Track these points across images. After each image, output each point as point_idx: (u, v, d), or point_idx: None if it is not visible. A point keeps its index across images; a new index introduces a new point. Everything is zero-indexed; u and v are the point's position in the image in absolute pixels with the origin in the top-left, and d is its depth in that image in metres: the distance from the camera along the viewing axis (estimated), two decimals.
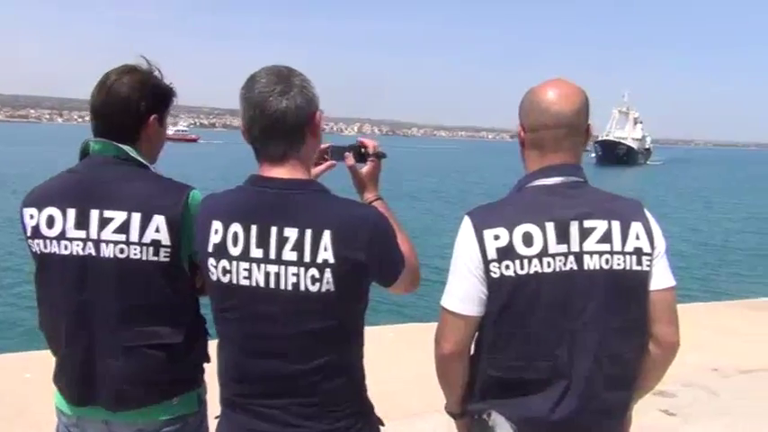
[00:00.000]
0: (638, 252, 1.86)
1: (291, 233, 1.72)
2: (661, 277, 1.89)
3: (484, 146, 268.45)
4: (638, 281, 1.87)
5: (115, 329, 1.97)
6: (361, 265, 1.73)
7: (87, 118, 2.07)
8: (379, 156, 2.13)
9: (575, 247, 1.83)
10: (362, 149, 2.12)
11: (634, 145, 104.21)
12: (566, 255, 1.82)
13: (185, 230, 1.95)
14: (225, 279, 1.78)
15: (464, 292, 1.86)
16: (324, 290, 1.71)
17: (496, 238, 1.82)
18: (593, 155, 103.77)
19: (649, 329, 1.91)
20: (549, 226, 1.82)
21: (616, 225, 1.86)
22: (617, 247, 1.85)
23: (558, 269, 1.81)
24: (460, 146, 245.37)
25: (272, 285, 1.73)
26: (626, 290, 1.86)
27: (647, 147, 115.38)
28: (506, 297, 1.82)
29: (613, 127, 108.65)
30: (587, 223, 1.84)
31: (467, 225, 1.88)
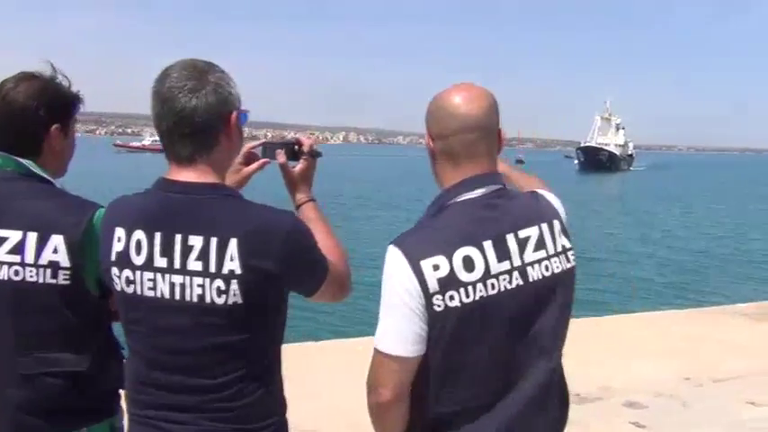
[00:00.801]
0: (564, 249, 1.80)
1: (196, 241, 1.61)
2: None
3: None
4: (571, 278, 1.81)
5: (12, 357, 1.84)
6: (272, 275, 1.62)
7: None
8: (314, 154, 2.02)
9: (516, 262, 1.72)
10: (296, 147, 2.01)
11: (616, 151, 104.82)
12: (509, 272, 1.70)
13: (89, 251, 1.81)
14: (129, 290, 1.68)
15: (403, 332, 1.68)
16: (230, 302, 1.61)
17: (436, 267, 1.65)
18: (576, 161, 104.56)
19: None
20: (488, 245, 1.69)
21: (545, 228, 1.78)
22: (551, 250, 1.77)
23: (503, 288, 1.69)
24: None
25: (177, 297, 1.63)
26: (564, 291, 1.78)
27: (629, 153, 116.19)
28: (453, 329, 1.67)
29: (596, 133, 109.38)
30: (522, 233, 1.74)
31: (398, 257, 1.68)
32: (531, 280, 1.72)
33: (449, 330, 1.66)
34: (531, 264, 1.73)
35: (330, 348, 6.63)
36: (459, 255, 1.66)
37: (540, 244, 1.75)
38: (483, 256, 1.68)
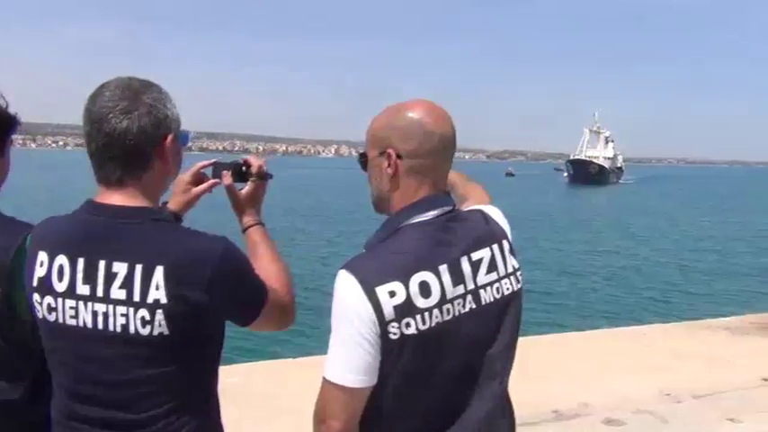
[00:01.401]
0: (514, 270, 1.77)
1: (120, 268, 1.54)
2: None
3: (465, 166, 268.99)
4: (520, 299, 1.78)
5: None
6: (202, 305, 1.55)
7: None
8: (263, 176, 1.94)
9: (470, 285, 1.67)
10: (244, 168, 1.94)
11: (606, 164, 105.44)
12: (463, 296, 1.66)
13: (20, 277, 1.71)
14: (51, 317, 1.61)
15: (355, 362, 1.60)
16: (156, 333, 1.53)
17: (392, 294, 1.57)
18: (566, 174, 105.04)
19: None
20: (443, 269, 1.63)
21: (496, 249, 1.73)
22: (501, 272, 1.73)
23: (458, 313, 1.64)
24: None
25: (99, 326, 1.56)
26: (515, 313, 1.76)
27: (618, 165, 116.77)
28: (408, 357, 1.60)
29: (585, 146, 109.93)
30: (475, 255, 1.69)
31: (351, 283, 1.59)
32: (483, 303, 1.68)
33: (404, 359, 1.60)
34: (484, 286, 1.69)
35: (307, 364, 6.55)
36: (415, 280, 1.60)
37: (492, 266, 1.71)
38: (439, 281, 1.62)
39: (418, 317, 1.59)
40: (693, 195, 77.45)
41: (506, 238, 1.78)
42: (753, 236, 35.01)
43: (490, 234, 1.74)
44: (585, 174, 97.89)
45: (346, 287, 1.59)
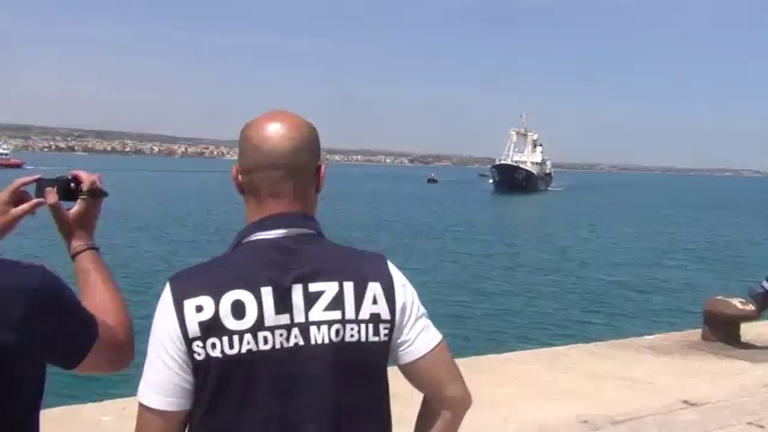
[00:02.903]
0: (376, 319, 1.68)
1: None
2: (422, 342, 1.75)
3: (384, 171, 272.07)
4: (376, 354, 1.69)
5: None
6: (10, 347, 1.46)
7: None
8: (96, 194, 1.86)
9: (299, 317, 1.63)
10: (73, 185, 1.85)
11: (533, 170, 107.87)
12: (288, 327, 1.62)
13: None
14: None
15: (163, 383, 1.60)
16: None
17: (199, 309, 1.58)
18: (491, 180, 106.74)
19: (436, 395, 1.78)
20: (266, 291, 1.61)
21: (349, 287, 1.67)
22: (350, 314, 1.66)
23: (278, 345, 1.61)
24: (360, 171, 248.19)
25: None
26: (360, 365, 1.68)
27: (547, 171, 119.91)
28: (215, 384, 1.59)
29: (511, 150, 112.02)
30: (314, 286, 1.65)
31: (166, 294, 1.63)
32: (313, 342, 1.63)
33: (210, 384, 1.60)
34: (318, 324, 1.64)
35: None
36: (228, 297, 1.59)
37: (336, 304, 1.65)
38: (258, 303, 1.60)
39: (225, 339, 1.58)
40: (624, 205, 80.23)
41: (382, 282, 1.71)
42: (682, 248, 36.70)
43: (350, 268, 1.69)
44: (512, 180, 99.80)
45: (162, 299, 1.63)
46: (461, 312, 18.56)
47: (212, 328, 1.57)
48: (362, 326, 1.66)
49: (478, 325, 17.52)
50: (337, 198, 62.99)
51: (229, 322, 1.58)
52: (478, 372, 7.13)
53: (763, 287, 8.21)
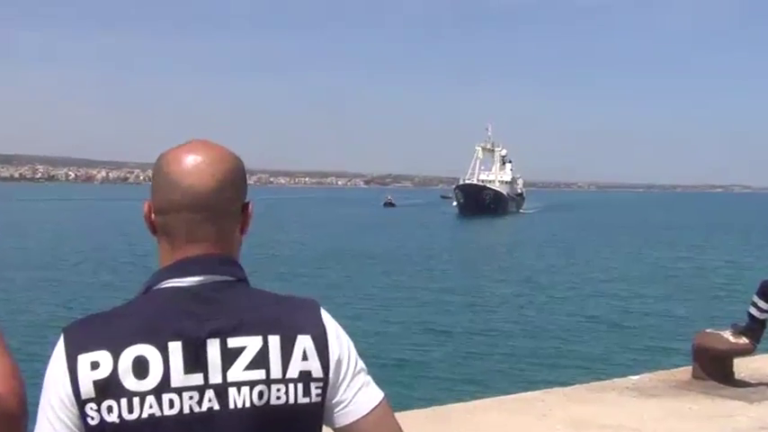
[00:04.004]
0: (306, 377, 1.66)
1: None
2: (362, 402, 1.72)
3: (335, 195, 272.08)
4: (307, 417, 1.67)
5: None
6: None
7: None
8: None
9: (215, 378, 1.60)
10: None
11: (503, 189, 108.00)
12: (200, 389, 1.59)
13: None
14: None
15: None
16: None
17: (95, 366, 1.56)
18: (455, 203, 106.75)
19: None
20: (175, 347, 1.58)
21: (274, 341, 1.64)
22: (275, 372, 1.63)
23: (187, 410, 1.57)
24: (309, 194, 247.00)
25: None
26: (290, 431, 1.65)
27: (518, 191, 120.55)
28: None
29: (477, 168, 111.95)
30: (233, 341, 1.62)
31: (59, 348, 1.61)
32: (231, 406, 1.60)
33: None
34: (238, 385, 1.60)
35: None
36: (129, 354, 1.57)
37: (260, 362, 1.62)
38: (164, 360, 1.58)
39: (124, 401, 1.55)
40: (603, 227, 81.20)
41: (314, 335, 1.69)
42: (667, 275, 37.39)
43: (276, 319, 1.67)
44: (478, 202, 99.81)
45: (54, 353, 1.61)
46: (421, 357, 18.63)
47: (109, 388, 1.54)
48: (291, 386, 1.63)
49: (441, 370, 17.59)
50: (280, 227, 62.97)
51: (129, 382, 1.55)
52: (443, 422, 7.10)
53: (749, 313, 8.27)
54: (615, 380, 9.15)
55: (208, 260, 1.67)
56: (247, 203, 1.76)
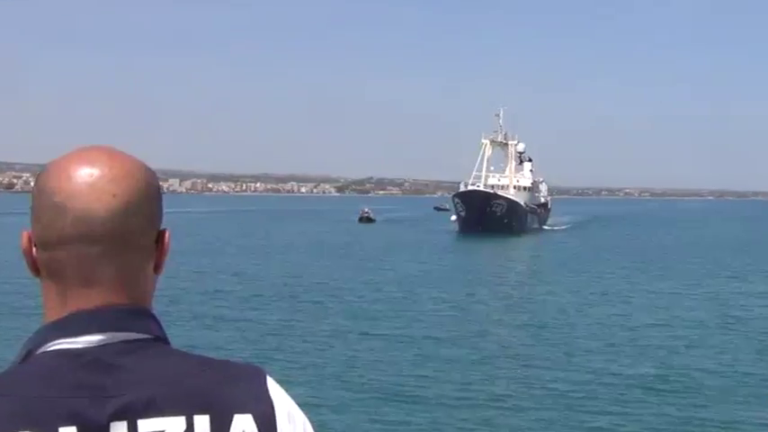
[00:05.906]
0: None
1: None
2: None
3: (300, 205, 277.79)
4: None
5: None
6: None
7: None
8: None
9: None
10: None
11: (520, 198, 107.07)
12: None
13: None
14: None
15: None
16: None
17: None
18: (454, 216, 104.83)
19: None
20: None
21: (202, 423, 1.75)
22: None
23: None
24: (258, 206, 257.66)
25: None
26: None
27: (542, 201, 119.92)
28: None
29: (485, 168, 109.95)
30: (146, 424, 1.72)
31: None
32: None
33: None
34: None
35: None
36: None
37: None
38: None
39: None
40: (663, 250, 79.68)
41: (252, 411, 1.79)
42: (740, 319, 36.21)
43: (205, 393, 1.77)
44: (486, 215, 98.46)
45: None
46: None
47: None
48: None
49: None
50: (217, 252, 65.04)
51: None
52: None
53: None
54: None
55: (110, 312, 1.77)
56: (163, 231, 1.88)
